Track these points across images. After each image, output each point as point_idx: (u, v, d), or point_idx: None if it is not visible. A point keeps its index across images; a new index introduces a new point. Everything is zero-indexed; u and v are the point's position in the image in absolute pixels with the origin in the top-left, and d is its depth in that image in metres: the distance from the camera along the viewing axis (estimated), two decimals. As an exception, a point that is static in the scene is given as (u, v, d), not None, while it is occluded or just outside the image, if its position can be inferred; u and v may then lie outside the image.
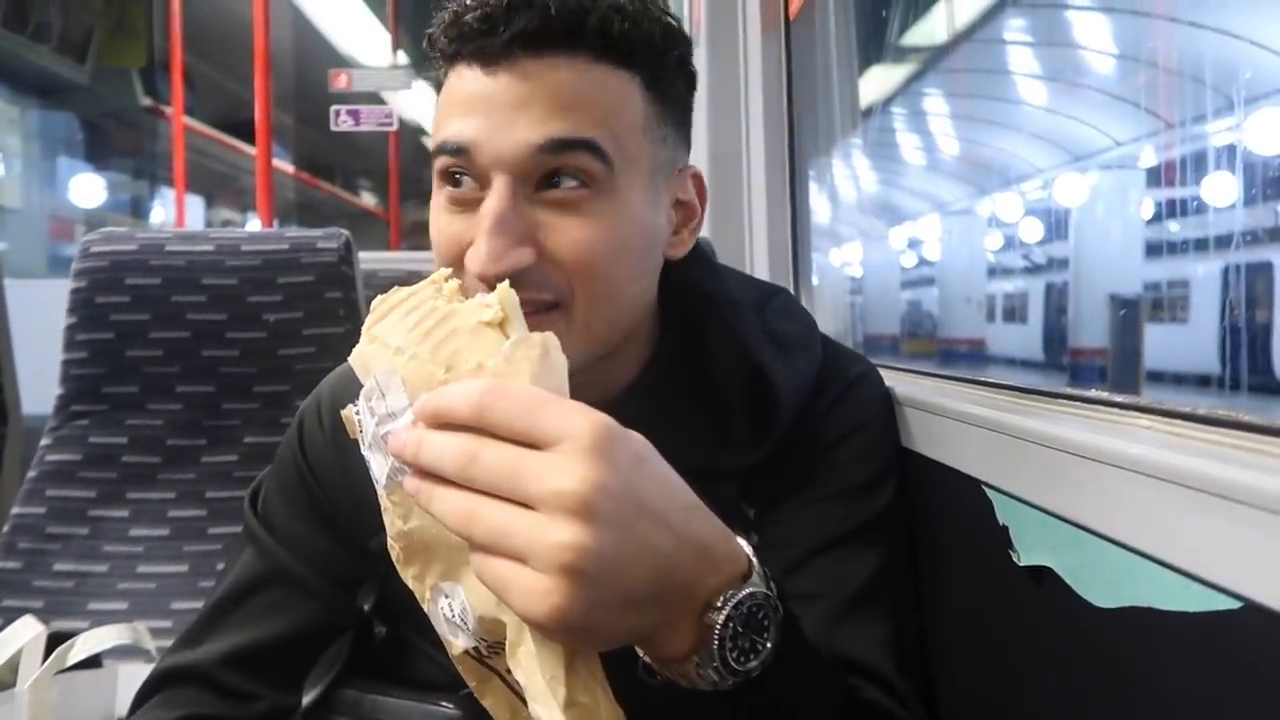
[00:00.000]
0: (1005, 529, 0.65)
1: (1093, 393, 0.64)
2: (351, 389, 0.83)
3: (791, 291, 1.66)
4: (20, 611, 1.16)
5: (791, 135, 1.69)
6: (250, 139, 4.65)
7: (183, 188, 4.83)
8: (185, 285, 1.39)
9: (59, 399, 1.40)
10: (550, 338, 0.51)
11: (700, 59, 1.92)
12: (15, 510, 1.36)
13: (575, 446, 0.45)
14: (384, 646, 0.87)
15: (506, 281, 0.54)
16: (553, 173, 0.65)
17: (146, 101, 6.39)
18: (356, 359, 0.56)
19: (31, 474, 1.39)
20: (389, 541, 0.57)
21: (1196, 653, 0.45)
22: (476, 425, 0.47)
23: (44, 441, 1.40)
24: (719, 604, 0.50)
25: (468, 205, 0.66)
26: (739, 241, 1.79)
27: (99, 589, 1.33)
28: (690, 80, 0.74)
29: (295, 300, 1.39)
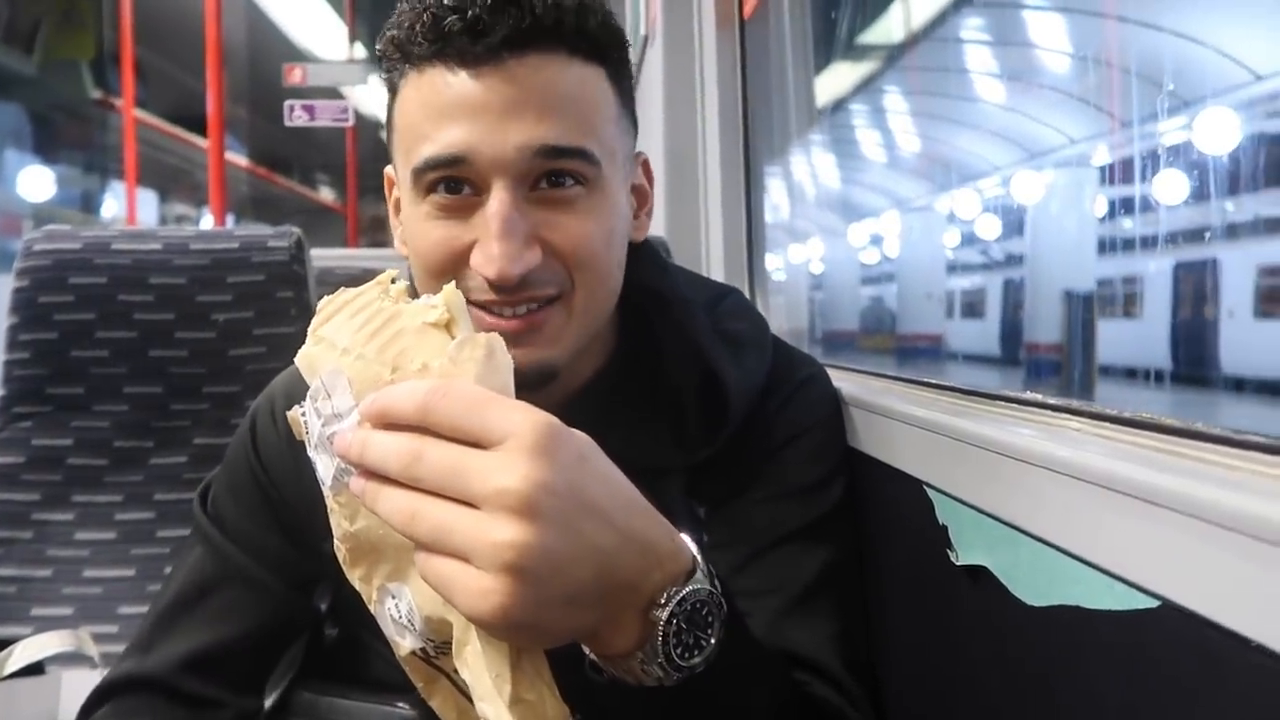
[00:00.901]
0: (945, 528, 0.66)
1: (1028, 395, 0.65)
2: (305, 388, 0.83)
3: (746, 289, 1.68)
4: (-40, 618, 1.14)
5: (747, 133, 1.70)
6: (204, 131, 4.57)
7: (134, 182, 4.74)
8: (132, 284, 1.36)
9: (0, 400, 1.38)
10: (495, 338, 0.51)
11: (656, 57, 1.93)
12: (-45, 515, 1.33)
13: (518, 445, 0.45)
14: (338, 648, 0.87)
15: (453, 283, 0.54)
16: (547, 173, 0.66)
17: (97, 94, 6.27)
18: (302, 360, 0.55)
19: (-29, 478, 1.36)
20: (335, 543, 0.57)
21: (1119, 650, 0.46)
22: (421, 424, 0.47)
23: (-15, 444, 1.37)
24: (662, 600, 0.51)
25: (462, 211, 0.67)
26: (695, 239, 1.80)
27: (43, 594, 1.31)
28: (630, 70, 0.77)
29: (245, 300, 1.37)
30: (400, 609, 0.55)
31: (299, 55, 6.58)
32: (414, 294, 0.58)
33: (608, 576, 0.48)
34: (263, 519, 0.81)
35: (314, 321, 0.56)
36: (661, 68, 1.87)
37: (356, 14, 6.35)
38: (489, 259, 0.64)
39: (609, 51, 0.70)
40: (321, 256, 1.60)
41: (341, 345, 0.53)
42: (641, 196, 0.78)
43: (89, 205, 7.84)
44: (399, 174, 0.72)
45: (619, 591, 0.49)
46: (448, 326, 0.52)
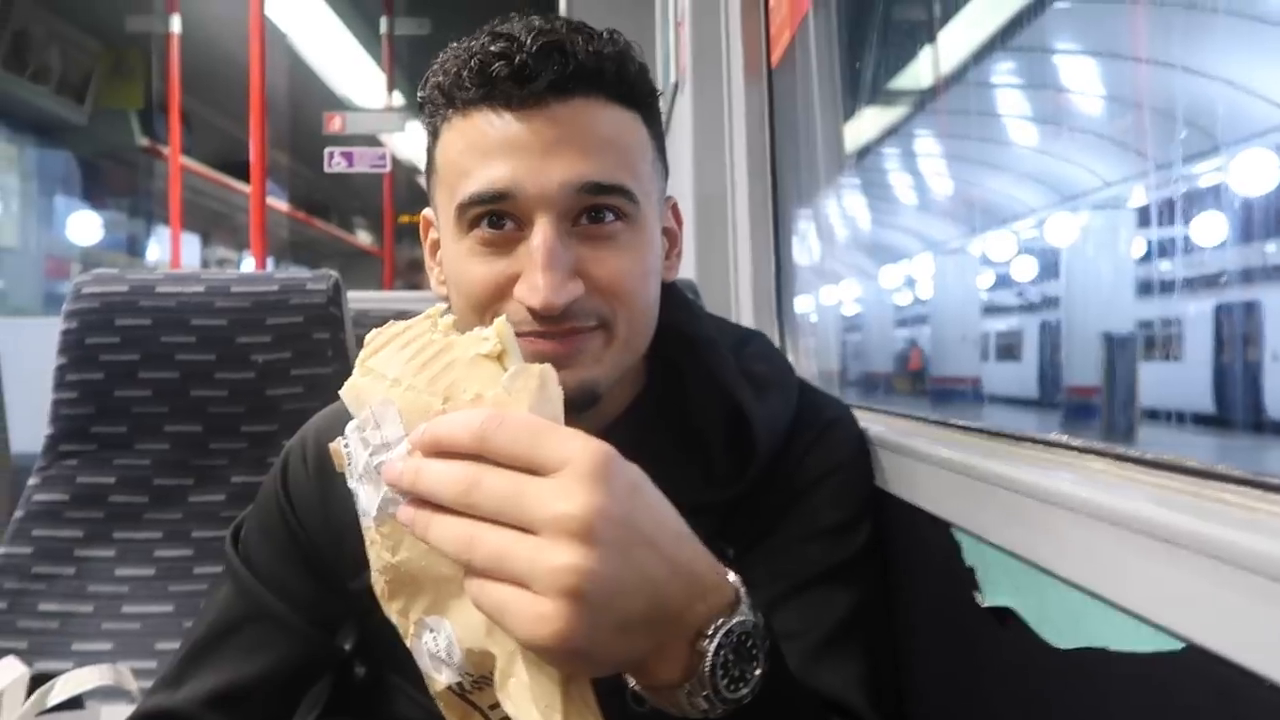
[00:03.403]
0: (971, 570, 0.66)
1: (1052, 436, 0.66)
2: (337, 428, 0.85)
3: (775, 331, 1.69)
4: (4, 652, 1.16)
5: (774, 179, 1.72)
6: (247, 178, 4.68)
7: (178, 226, 4.86)
8: (175, 326, 1.40)
9: (48, 439, 1.41)
10: (548, 369, 0.53)
11: (686, 104, 1.96)
12: (1, 550, 1.36)
13: (576, 472, 0.46)
14: (364, 687, 0.88)
15: (504, 316, 0.56)
16: (588, 209, 0.69)
17: (144, 141, 6.44)
18: (349, 391, 0.56)
19: (18, 514, 1.39)
20: (374, 575, 0.57)
21: (1144, 692, 0.46)
22: (477, 452, 0.48)
23: (32, 481, 1.40)
24: (710, 632, 0.52)
25: (505, 245, 0.69)
26: (724, 282, 1.81)
27: (83, 629, 1.33)
28: (661, 117, 0.79)
29: (284, 341, 1.40)
30: (439, 642, 0.55)
31: (339, 103, 6.74)
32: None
33: (658, 605, 0.49)
34: (290, 558, 0.82)
35: (362, 354, 0.57)
36: (691, 114, 1.90)
37: (395, 63, 6.50)
38: (534, 289, 0.66)
39: (644, 99, 0.73)
40: (358, 299, 1.64)
41: (391, 376, 0.54)
42: (672, 238, 0.81)
43: (134, 249, 8.02)
44: (439, 213, 0.75)
45: (667, 621, 0.50)
46: (499, 358, 0.53)
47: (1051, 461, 0.63)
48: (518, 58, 0.67)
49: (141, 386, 1.40)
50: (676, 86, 2.20)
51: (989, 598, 0.63)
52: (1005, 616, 0.61)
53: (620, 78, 0.70)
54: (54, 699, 0.93)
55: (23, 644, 1.30)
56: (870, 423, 0.87)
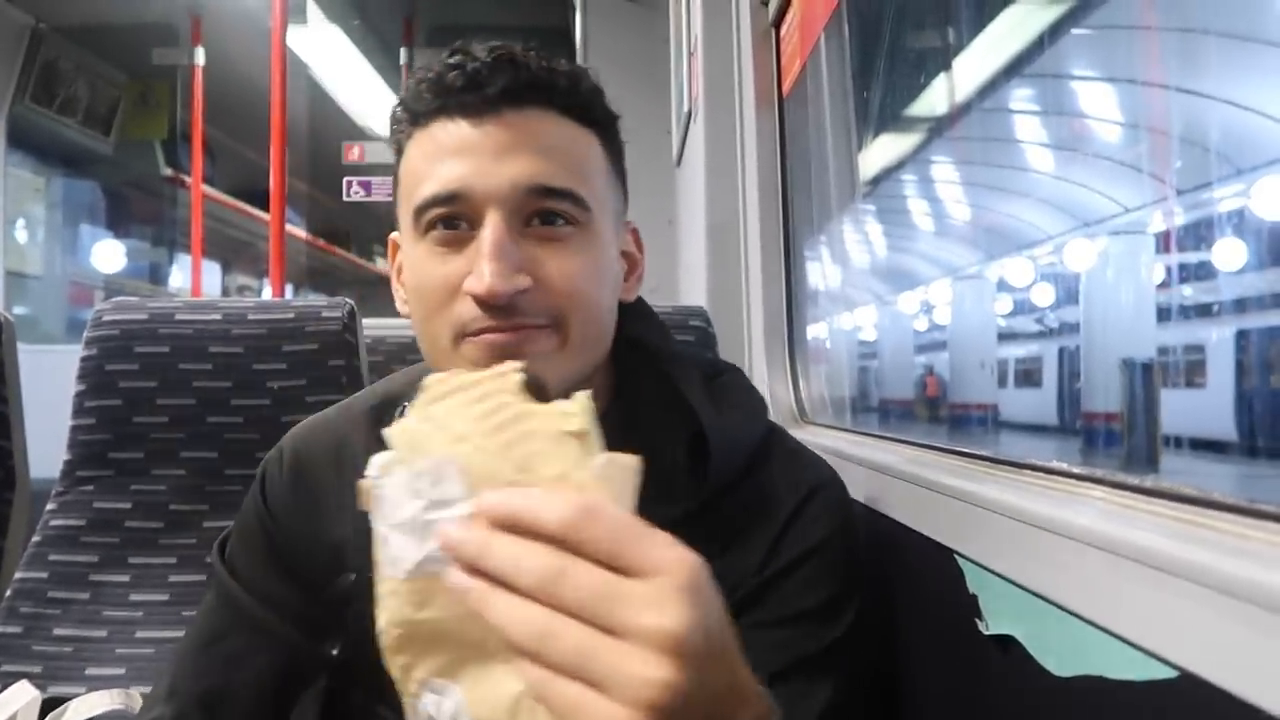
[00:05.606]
0: (975, 597, 0.66)
1: (1054, 464, 0.66)
2: (312, 440, 0.87)
3: (786, 357, 1.69)
4: (18, 676, 1.17)
5: (786, 206, 1.73)
6: (267, 206, 4.74)
7: (199, 255, 4.92)
8: (192, 353, 1.42)
9: (66, 464, 1.43)
10: (639, 464, 0.50)
11: (698, 133, 1.98)
12: (18, 575, 1.38)
13: (673, 584, 0.45)
14: (355, 713, 0.88)
15: (589, 393, 0.54)
16: (539, 212, 0.70)
17: (167, 171, 6.54)
18: (401, 434, 0.53)
19: (36, 539, 1.40)
20: (383, 623, 0.53)
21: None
22: (561, 539, 0.46)
23: (49, 506, 1.42)
24: None
25: (459, 245, 0.71)
26: (736, 309, 1.82)
27: (98, 654, 1.34)
28: (623, 145, 0.81)
29: (298, 368, 1.42)
30: (442, 708, 0.53)
31: (358, 132, 6.82)
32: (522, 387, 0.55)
33: (714, 715, 0.47)
34: (270, 564, 0.84)
35: (421, 398, 0.55)
36: (704, 142, 1.92)
37: (414, 93, 6.59)
38: (479, 276, 0.68)
39: (599, 119, 0.75)
40: (373, 325, 1.65)
41: (456, 430, 0.51)
42: (631, 262, 0.82)
43: (156, 276, 8.11)
44: (401, 223, 0.76)
45: None
46: (581, 437, 0.51)
47: (1051, 489, 0.63)
48: (470, 67, 0.70)
49: (159, 413, 1.42)
50: (689, 116, 2.22)
51: (992, 625, 0.63)
52: (1007, 643, 0.61)
53: (572, 92, 0.72)
54: (66, 722, 0.94)
55: (37, 668, 1.31)
56: (874, 449, 0.87)
